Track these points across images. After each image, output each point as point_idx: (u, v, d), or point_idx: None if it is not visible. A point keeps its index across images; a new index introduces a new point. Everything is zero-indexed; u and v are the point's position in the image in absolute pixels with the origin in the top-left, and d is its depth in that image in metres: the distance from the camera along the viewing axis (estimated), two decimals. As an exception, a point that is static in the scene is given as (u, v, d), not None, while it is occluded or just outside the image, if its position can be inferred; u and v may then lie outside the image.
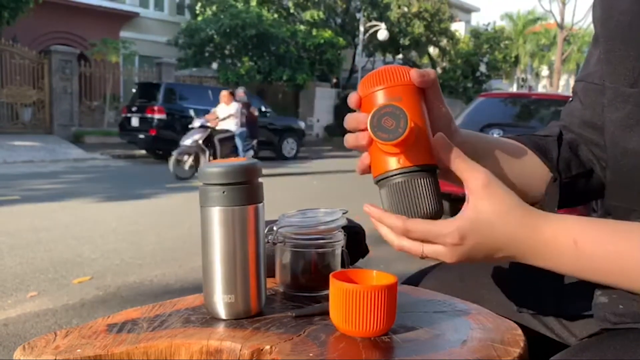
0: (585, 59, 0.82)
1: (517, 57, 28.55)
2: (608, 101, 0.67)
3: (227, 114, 8.84)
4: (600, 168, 0.80)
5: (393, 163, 0.57)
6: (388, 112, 0.55)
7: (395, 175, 0.57)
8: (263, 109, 12.88)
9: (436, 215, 0.58)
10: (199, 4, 17.43)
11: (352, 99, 0.61)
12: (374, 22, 20.25)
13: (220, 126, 8.79)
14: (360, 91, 0.61)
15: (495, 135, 0.80)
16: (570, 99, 0.85)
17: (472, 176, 0.57)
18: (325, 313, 0.66)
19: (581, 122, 0.80)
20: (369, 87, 0.59)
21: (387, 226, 0.59)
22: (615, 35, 0.64)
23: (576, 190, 0.78)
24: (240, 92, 10.14)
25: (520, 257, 0.57)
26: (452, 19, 23.35)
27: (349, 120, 0.61)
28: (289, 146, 13.29)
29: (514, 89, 31.54)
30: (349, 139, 0.61)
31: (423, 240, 0.58)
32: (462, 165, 0.58)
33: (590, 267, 0.56)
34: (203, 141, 8.41)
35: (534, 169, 0.75)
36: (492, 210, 0.56)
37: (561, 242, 0.56)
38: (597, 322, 0.63)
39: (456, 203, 0.85)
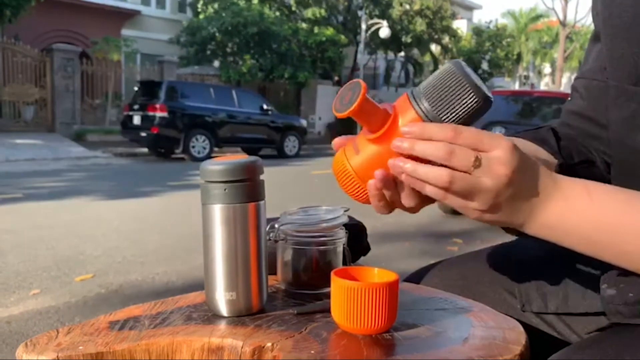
0: (585, 56, 0.82)
1: (519, 55, 28.49)
2: (611, 99, 0.67)
3: None
4: (601, 161, 0.80)
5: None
6: (348, 87, 0.55)
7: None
8: (265, 107, 12.89)
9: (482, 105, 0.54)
10: (201, 2, 17.42)
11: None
12: (375, 20, 20.23)
13: None
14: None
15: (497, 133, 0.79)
16: (570, 97, 0.85)
17: (496, 140, 0.54)
18: (326, 310, 0.66)
19: (583, 118, 0.80)
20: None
21: (431, 136, 0.53)
22: (617, 33, 0.64)
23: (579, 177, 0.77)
24: None
25: (540, 202, 0.55)
26: (454, 16, 23.30)
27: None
28: (291, 144, 13.29)
29: (516, 86, 31.50)
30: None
31: (474, 149, 0.52)
32: (479, 134, 0.53)
33: (598, 222, 0.54)
34: None
35: (544, 161, 0.74)
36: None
37: (575, 188, 0.56)
38: (609, 317, 0.62)
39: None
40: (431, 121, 0.54)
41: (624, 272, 0.58)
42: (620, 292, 0.60)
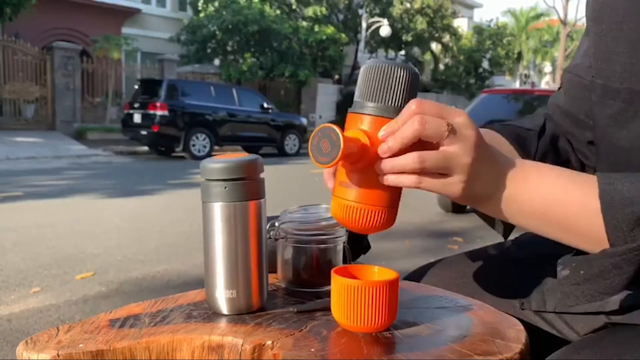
0: (577, 50, 0.83)
1: (519, 54, 28.46)
2: (597, 98, 0.68)
3: None
4: (575, 159, 0.82)
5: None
6: (320, 135, 0.54)
7: None
8: (265, 105, 12.88)
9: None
10: (201, 0, 17.41)
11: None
12: (376, 18, 20.22)
13: None
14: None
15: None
16: (559, 87, 0.86)
17: (453, 108, 0.55)
18: (326, 309, 0.66)
19: (562, 112, 0.82)
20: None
21: (402, 120, 0.54)
22: (606, 33, 0.64)
23: None
24: None
25: (508, 174, 0.57)
26: (454, 15, 23.29)
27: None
28: (291, 142, 13.30)
29: (516, 85, 31.48)
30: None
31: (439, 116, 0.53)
32: (438, 104, 0.55)
33: (552, 197, 0.56)
34: None
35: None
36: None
37: (528, 164, 0.59)
38: (565, 302, 0.60)
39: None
40: (388, 115, 0.55)
41: (580, 252, 0.58)
42: (573, 272, 0.58)
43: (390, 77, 0.54)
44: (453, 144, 0.53)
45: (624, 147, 0.65)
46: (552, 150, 0.81)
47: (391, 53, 22.71)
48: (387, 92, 0.55)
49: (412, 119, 0.52)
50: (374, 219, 0.57)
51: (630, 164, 0.65)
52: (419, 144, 0.53)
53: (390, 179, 0.54)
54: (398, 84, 0.55)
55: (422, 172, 0.53)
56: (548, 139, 0.82)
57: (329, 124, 0.53)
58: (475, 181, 0.55)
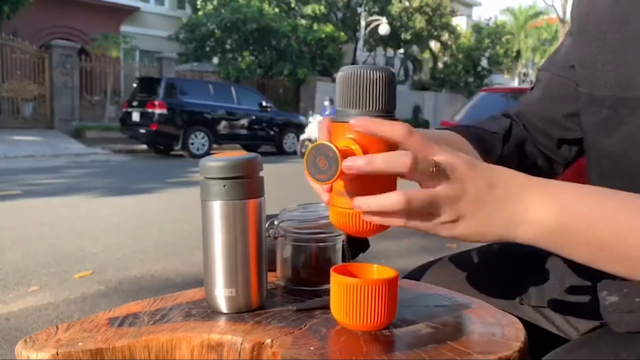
0: (557, 48, 0.83)
1: (518, 52, 28.48)
2: (583, 106, 0.68)
3: None
4: (543, 161, 0.83)
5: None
6: (315, 152, 0.54)
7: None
8: (264, 103, 12.87)
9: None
10: (200, -2, 17.40)
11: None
12: (375, 17, 20.21)
13: None
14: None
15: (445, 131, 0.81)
16: (532, 86, 0.86)
17: (448, 155, 0.51)
18: (326, 307, 0.66)
19: (537, 111, 0.83)
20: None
21: (385, 131, 0.51)
22: (591, 41, 0.65)
23: None
24: None
25: (519, 194, 0.51)
26: (453, 13, 23.30)
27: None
28: (290, 141, 13.28)
29: (515, 83, 31.46)
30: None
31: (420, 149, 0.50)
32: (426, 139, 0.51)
33: (594, 209, 0.50)
34: None
35: None
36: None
37: (556, 182, 0.53)
38: (614, 327, 0.56)
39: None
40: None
41: (623, 277, 0.54)
42: (624, 298, 0.54)
43: (368, 82, 0.55)
44: (439, 184, 0.50)
45: (614, 153, 0.65)
46: (517, 153, 0.81)
47: (390, 51, 22.71)
48: (367, 97, 0.55)
49: (405, 154, 0.49)
50: (372, 223, 0.56)
51: (620, 170, 0.65)
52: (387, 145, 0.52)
53: (376, 219, 0.52)
54: (376, 87, 0.55)
55: (408, 213, 0.50)
56: (513, 142, 0.82)
57: (324, 141, 0.53)
58: (469, 220, 0.51)
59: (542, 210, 0.50)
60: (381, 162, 0.50)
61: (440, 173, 0.50)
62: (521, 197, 0.51)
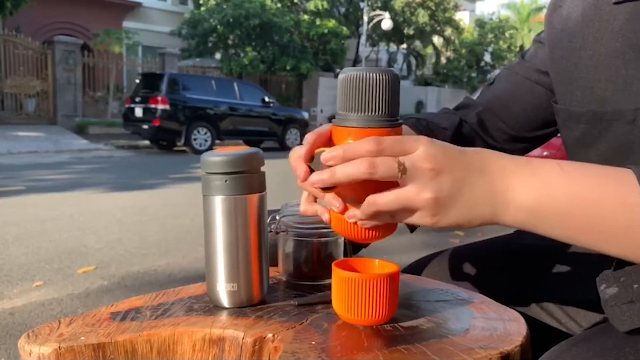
0: (526, 51, 0.84)
1: (521, 47, 28.34)
2: (561, 121, 0.69)
3: None
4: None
5: None
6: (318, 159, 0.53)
7: None
8: (266, 99, 12.87)
9: None
10: (202, -6, 17.38)
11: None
12: (377, 12, 20.15)
13: None
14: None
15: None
16: (492, 81, 0.88)
17: (417, 140, 0.51)
18: (327, 302, 0.66)
19: (495, 108, 0.84)
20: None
21: (357, 151, 0.50)
22: (567, 58, 0.65)
23: None
24: None
25: (503, 183, 0.49)
26: (456, 8, 23.21)
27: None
28: (293, 136, 13.28)
29: (518, 78, 31.29)
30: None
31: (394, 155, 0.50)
32: (400, 139, 0.51)
33: (581, 197, 0.48)
34: None
35: None
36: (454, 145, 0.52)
37: (544, 163, 0.50)
38: (618, 326, 0.53)
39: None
40: (374, 125, 0.53)
41: (620, 265, 0.53)
42: (622, 288, 0.52)
43: (370, 85, 0.52)
44: (406, 184, 0.49)
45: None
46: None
47: (392, 46, 22.66)
48: (370, 101, 0.53)
49: (360, 161, 0.49)
50: (375, 231, 0.56)
51: None
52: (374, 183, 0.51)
53: (367, 224, 0.54)
54: (379, 91, 0.52)
55: (387, 213, 0.51)
56: (461, 140, 0.83)
57: (323, 149, 0.53)
58: (450, 212, 0.50)
59: (527, 192, 0.49)
60: (341, 173, 0.50)
61: (405, 173, 0.49)
62: (506, 180, 0.50)
